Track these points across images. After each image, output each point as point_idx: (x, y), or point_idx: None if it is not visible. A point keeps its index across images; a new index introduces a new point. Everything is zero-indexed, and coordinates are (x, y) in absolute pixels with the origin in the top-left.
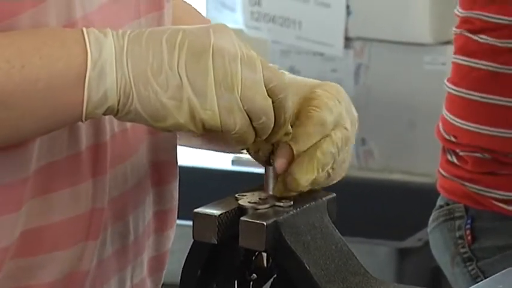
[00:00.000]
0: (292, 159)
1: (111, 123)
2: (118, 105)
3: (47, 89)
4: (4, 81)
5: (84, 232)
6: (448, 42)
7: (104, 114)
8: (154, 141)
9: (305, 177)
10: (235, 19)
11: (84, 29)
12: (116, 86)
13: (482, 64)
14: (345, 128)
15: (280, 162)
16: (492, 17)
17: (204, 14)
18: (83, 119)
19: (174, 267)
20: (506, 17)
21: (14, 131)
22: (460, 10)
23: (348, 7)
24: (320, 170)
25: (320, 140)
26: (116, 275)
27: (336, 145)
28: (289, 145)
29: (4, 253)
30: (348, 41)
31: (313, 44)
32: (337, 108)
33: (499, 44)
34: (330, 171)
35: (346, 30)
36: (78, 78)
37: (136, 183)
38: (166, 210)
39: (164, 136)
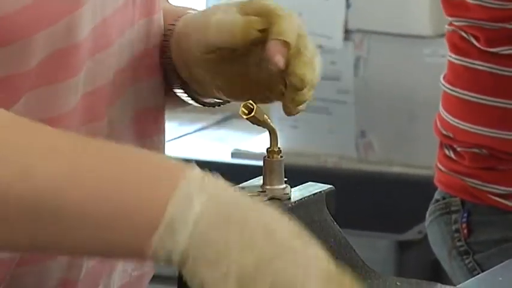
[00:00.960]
0: (286, 56)
1: None
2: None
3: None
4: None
5: None
6: None
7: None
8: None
9: (307, 71)
10: None
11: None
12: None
13: (477, 64)
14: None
15: (278, 58)
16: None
17: (203, 5)
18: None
19: None
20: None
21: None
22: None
23: None
24: (312, 66)
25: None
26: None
27: (309, 41)
28: (282, 40)
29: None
30: (347, 33)
31: (313, 36)
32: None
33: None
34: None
35: (345, 22)
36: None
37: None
38: None
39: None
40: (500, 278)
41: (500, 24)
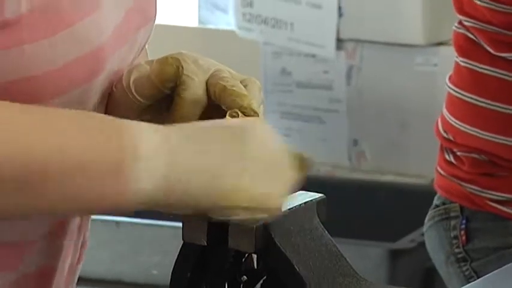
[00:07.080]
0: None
1: None
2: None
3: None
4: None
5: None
6: (440, 44)
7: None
8: None
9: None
10: (227, 21)
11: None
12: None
13: (482, 68)
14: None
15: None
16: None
17: (196, 15)
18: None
19: (169, 269)
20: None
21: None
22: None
23: (339, 8)
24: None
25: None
26: None
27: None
28: None
29: None
30: (339, 42)
31: (305, 46)
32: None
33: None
34: None
35: (338, 31)
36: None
37: None
38: None
39: None
40: (493, 286)
41: (506, 32)
